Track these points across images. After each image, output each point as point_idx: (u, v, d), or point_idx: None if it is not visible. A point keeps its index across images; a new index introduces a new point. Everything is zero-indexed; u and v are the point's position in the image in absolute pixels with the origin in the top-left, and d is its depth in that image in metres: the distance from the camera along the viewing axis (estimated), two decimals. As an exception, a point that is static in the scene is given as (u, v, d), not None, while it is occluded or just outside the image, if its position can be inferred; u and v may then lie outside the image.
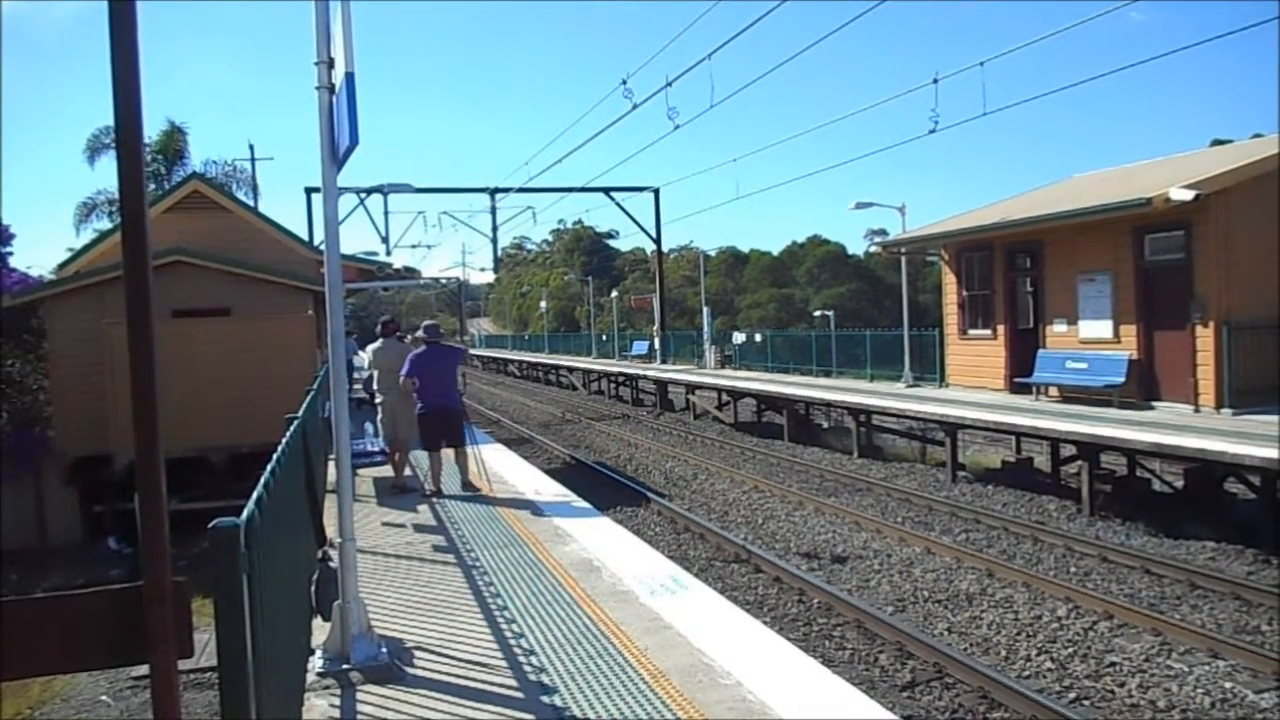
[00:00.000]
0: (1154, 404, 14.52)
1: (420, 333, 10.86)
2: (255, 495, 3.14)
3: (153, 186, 28.91)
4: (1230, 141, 23.55)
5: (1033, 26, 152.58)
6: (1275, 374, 13.61)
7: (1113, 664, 7.46)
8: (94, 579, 12.22)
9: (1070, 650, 7.79)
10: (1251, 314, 13.53)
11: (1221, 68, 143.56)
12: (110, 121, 2.22)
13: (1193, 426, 12.32)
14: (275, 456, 4.23)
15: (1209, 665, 7.30)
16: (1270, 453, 10.14)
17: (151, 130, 31.62)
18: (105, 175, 32.95)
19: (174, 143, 32.05)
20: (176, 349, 13.89)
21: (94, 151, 30.92)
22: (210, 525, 2.42)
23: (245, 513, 2.80)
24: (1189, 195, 13.07)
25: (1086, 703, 6.89)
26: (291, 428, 5.72)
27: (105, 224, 29.32)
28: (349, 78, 4.50)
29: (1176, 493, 13.25)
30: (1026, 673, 7.47)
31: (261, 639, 2.81)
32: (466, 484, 10.49)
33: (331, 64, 4.88)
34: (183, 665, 2.16)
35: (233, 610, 2.43)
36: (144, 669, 2.15)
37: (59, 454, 15.71)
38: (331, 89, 4.89)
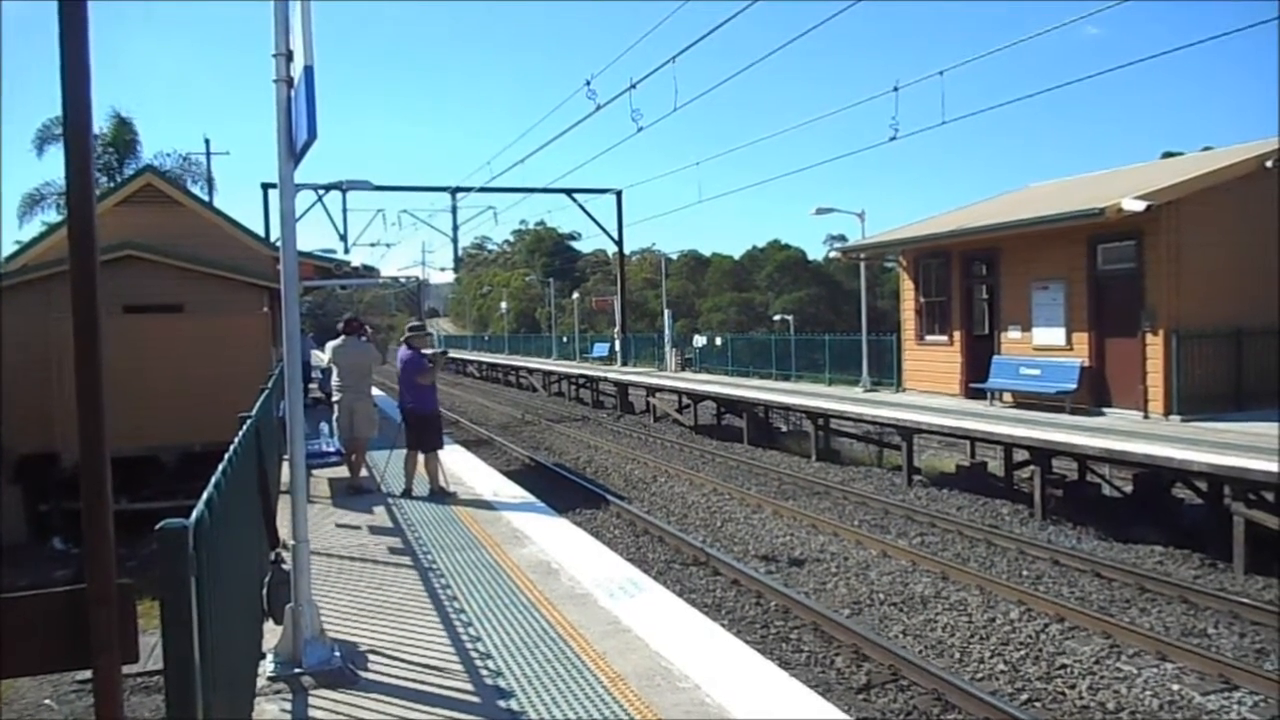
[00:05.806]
0: (1105, 410, 14.79)
1: (408, 332, 10.95)
2: (205, 496, 3.07)
3: (104, 179, 28.30)
4: (1180, 154, 24.06)
5: (992, 37, 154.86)
6: (1221, 381, 13.94)
7: (1064, 666, 7.57)
8: (39, 580, 11.90)
9: (1023, 652, 7.90)
10: (1200, 322, 13.84)
11: (1172, 82, 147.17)
12: (59, 112, 2.15)
13: (1142, 433, 12.56)
14: (227, 456, 4.15)
15: (1157, 667, 7.43)
16: (1215, 459, 10.37)
17: (102, 121, 30.98)
18: (54, 166, 32.25)
19: (125, 134, 31.42)
20: (127, 346, 13.60)
21: (43, 142, 30.23)
22: (157, 526, 2.36)
23: (194, 513, 2.74)
24: (1141, 206, 13.34)
25: (1038, 704, 6.98)
26: (244, 427, 5.62)
27: (54, 216, 28.69)
28: (308, 71, 4.43)
29: (1126, 497, 13.50)
30: (980, 674, 7.55)
31: (210, 642, 2.74)
32: (436, 489, 10.33)
33: (290, 57, 4.80)
34: (131, 668, 2.10)
35: (179, 613, 2.37)
36: (89, 673, 2.09)
37: (5, 451, 15.31)
38: (290, 82, 4.81)
